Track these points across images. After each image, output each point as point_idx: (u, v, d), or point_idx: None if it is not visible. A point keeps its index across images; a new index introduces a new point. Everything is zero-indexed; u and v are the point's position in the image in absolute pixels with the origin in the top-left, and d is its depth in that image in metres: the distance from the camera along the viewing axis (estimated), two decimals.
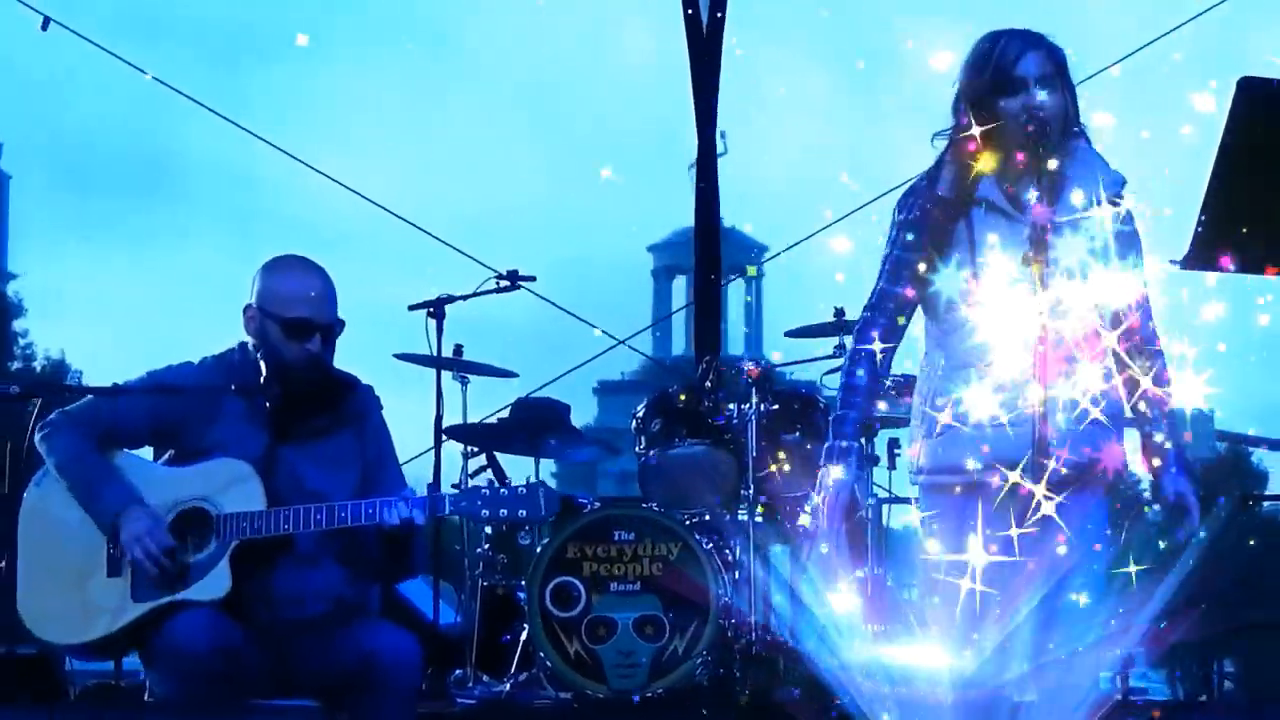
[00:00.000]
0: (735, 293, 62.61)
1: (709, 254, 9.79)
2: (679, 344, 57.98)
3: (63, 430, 4.92)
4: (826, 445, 4.63)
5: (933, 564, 4.62)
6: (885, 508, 7.53)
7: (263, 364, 4.94)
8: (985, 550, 4.41)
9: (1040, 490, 4.19)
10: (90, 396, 4.99)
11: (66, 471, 4.87)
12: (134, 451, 5.01)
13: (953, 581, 4.54)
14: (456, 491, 4.94)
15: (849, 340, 6.77)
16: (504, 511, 4.83)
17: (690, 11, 9.53)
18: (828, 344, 7.66)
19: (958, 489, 4.52)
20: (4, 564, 4.85)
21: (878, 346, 4.63)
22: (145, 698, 4.86)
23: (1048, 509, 4.23)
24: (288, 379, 4.93)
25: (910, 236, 4.61)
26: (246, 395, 4.93)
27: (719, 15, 9.51)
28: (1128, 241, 4.47)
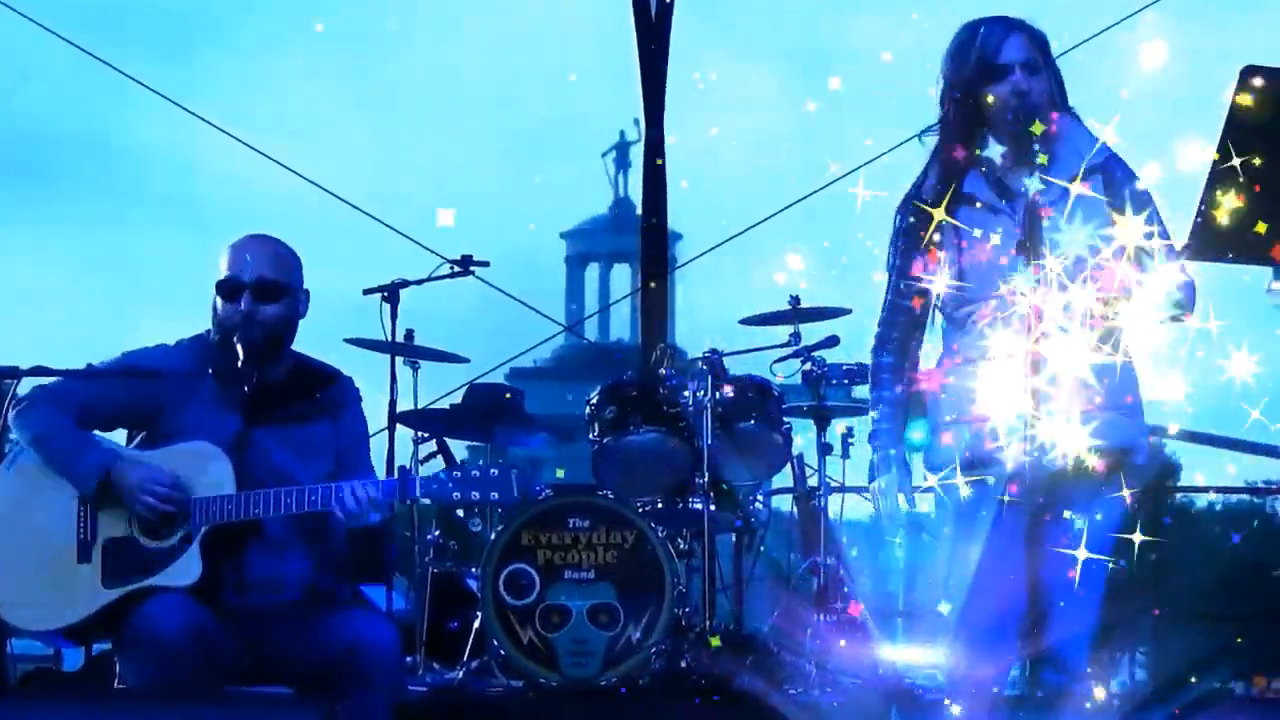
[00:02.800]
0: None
1: (656, 243, 9.76)
2: (591, 330, 58.02)
3: (38, 405, 4.86)
4: (870, 461, 4.66)
5: (942, 561, 4.62)
6: (841, 498, 7.57)
7: (240, 347, 4.89)
8: (991, 544, 4.43)
9: (1040, 485, 4.19)
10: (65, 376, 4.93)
11: (43, 443, 4.81)
12: (106, 435, 4.96)
13: (962, 578, 4.54)
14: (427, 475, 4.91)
15: (803, 328, 6.79)
16: (476, 494, 4.79)
17: None
18: (782, 332, 7.66)
19: (965, 485, 4.51)
20: None
21: (895, 360, 4.65)
22: (115, 684, 4.81)
23: (1050, 504, 4.24)
24: (229, 344, 4.88)
25: (907, 245, 4.61)
26: (223, 379, 4.87)
27: (667, 1, 9.47)
28: (1135, 200, 4.47)
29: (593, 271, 65.10)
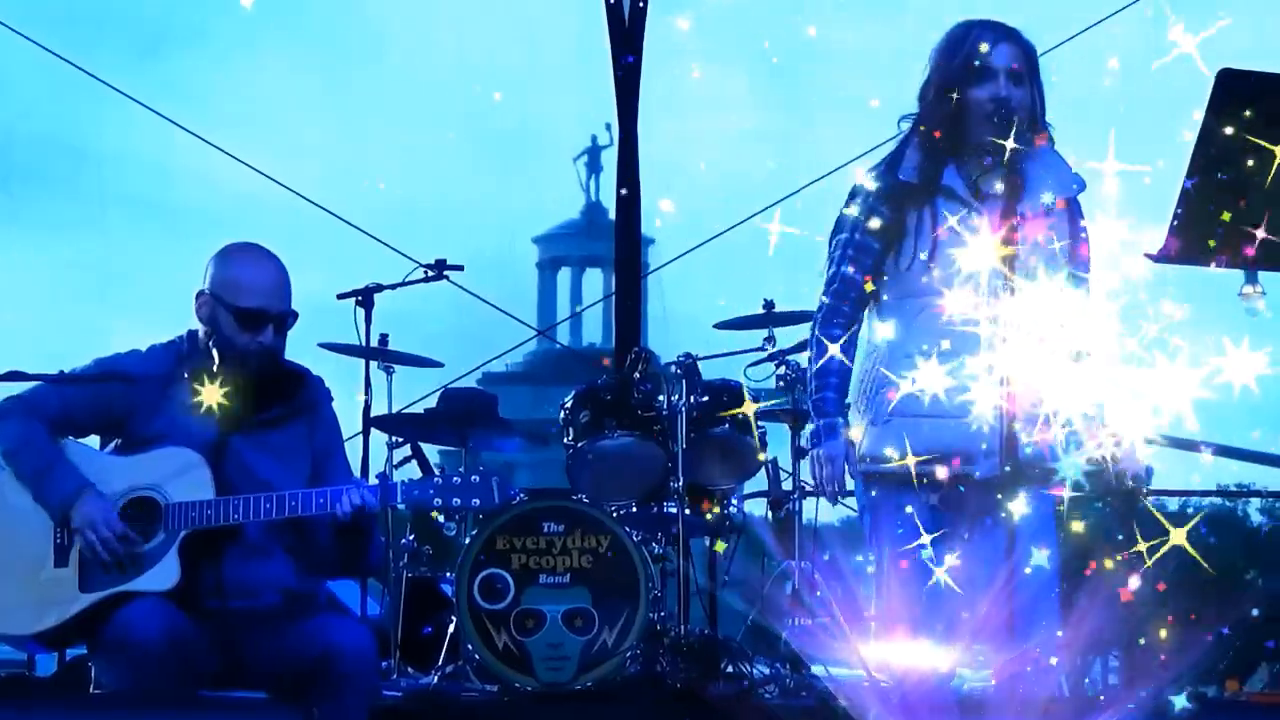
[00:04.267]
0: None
1: (630, 247, 9.75)
2: (563, 334, 57.98)
3: (12, 416, 4.85)
4: (812, 428, 4.66)
5: (874, 555, 4.65)
6: (815, 501, 7.56)
7: (215, 352, 4.88)
8: (932, 541, 4.45)
9: (982, 485, 4.22)
10: (39, 383, 4.91)
11: (15, 458, 4.80)
12: (82, 441, 4.94)
13: (900, 572, 4.57)
14: (409, 480, 4.91)
15: (780, 331, 6.78)
16: (457, 500, 4.80)
17: (612, 1, 9.46)
18: (756, 336, 7.66)
19: (900, 477, 4.53)
20: None
21: (843, 334, 4.65)
22: (92, 689, 4.80)
23: (998, 503, 4.26)
24: (240, 368, 4.88)
25: (869, 222, 4.62)
26: (199, 383, 4.86)
27: (640, 5, 9.45)
28: (1080, 248, 4.52)
29: (564, 276, 65.03)
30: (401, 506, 4.89)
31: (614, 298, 9.78)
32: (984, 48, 4.53)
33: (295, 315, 4.97)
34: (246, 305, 4.87)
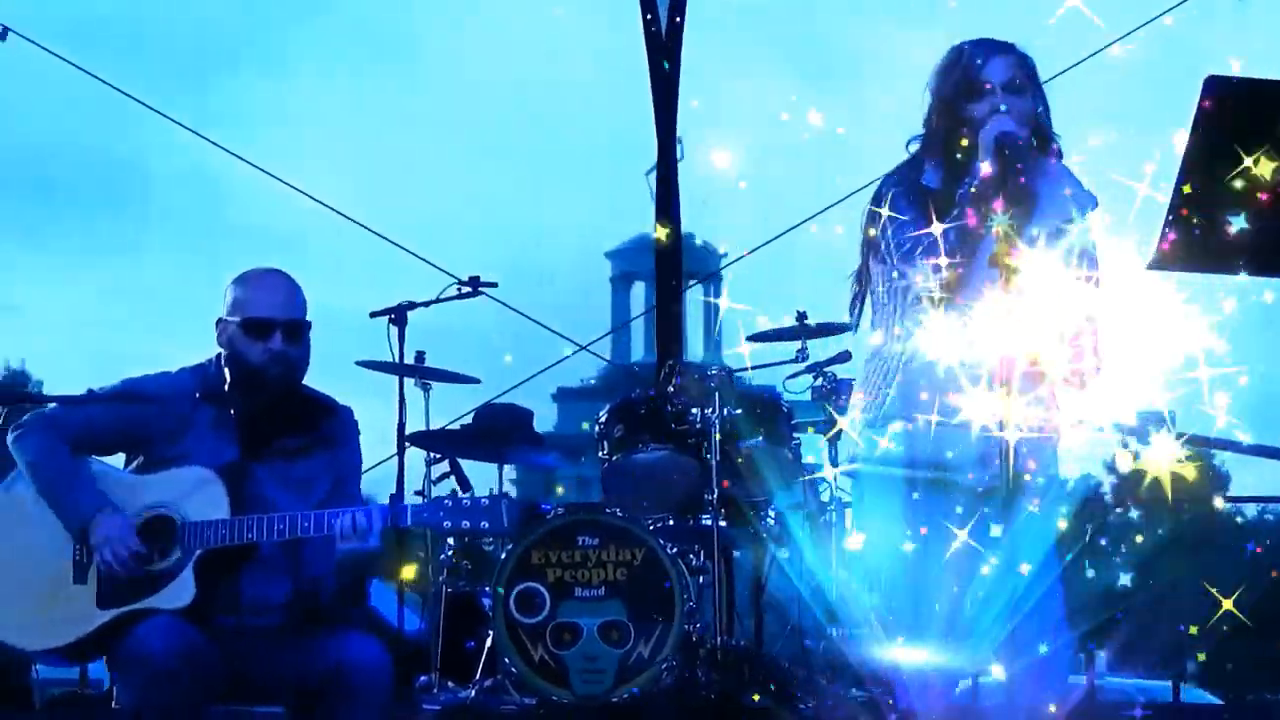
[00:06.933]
0: (692, 296, 62.04)
1: (670, 259, 9.77)
2: (638, 349, 57.95)
3: (36, 431, 4.92)
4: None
5: (867, 553, 4.66)
6: (848, 511, 7.56)
7: (227, 371, 4.95)
8: (924, 539, 4.47)
9: (989, 491, 4.23)
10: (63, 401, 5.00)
11: (38, 472, 4.87)
12: (104, 459, 5.01)
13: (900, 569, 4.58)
14: (419, 501, 4.95)
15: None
16: (466, 523, 4.84)
17: (649, 16, 9.50)
18: (790, 348, 7.67)
19: (896, 478, 4.55)
20: None
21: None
22: (113, 705, 4.86)
23: (991, 509, 4.28)
24: (256, 383, 4.94)
25: (903, 236, 4.64)
26: (213, 402, 4.93)
27: (678, 20, 9.49)
28: (1091, 263, 4.52)
29: (639, 290, 65.06)
30: (414, 528, 4.93)
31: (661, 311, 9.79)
32: (978, 64, 4.55)
33: (308, 325, 5.03)
34: (251, 315, 4.95)
